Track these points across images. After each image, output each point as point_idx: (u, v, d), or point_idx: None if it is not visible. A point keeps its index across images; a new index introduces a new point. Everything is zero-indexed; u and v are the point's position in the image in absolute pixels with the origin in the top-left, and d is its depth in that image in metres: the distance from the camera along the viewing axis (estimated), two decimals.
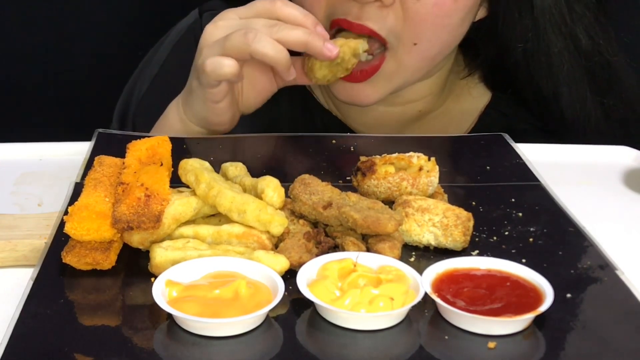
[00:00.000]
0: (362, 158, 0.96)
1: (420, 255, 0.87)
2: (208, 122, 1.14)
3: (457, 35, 1.20)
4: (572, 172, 1.13)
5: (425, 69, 1.21)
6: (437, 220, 0.87)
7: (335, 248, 0.86)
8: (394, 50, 1.14)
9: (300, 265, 0.81)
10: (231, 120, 1.15)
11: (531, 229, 0.92)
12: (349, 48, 1.09)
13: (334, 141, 1.13)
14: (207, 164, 0.92)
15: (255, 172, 0.95)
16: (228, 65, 1.06)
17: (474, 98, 1.34)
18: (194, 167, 0.89)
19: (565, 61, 1.22)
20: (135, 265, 0.84)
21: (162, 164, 0.92)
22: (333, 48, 1.07)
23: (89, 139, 1.11)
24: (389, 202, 0.91)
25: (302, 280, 0.78)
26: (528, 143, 1.17)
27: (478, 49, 1.29)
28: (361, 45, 1.10)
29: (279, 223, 0.85)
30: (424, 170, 0.93)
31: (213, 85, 1.09)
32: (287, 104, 1.30)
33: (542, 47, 1.22)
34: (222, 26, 1.09)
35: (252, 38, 1.04)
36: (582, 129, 1.26)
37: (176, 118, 1.17)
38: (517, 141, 1.15)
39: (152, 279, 0.79)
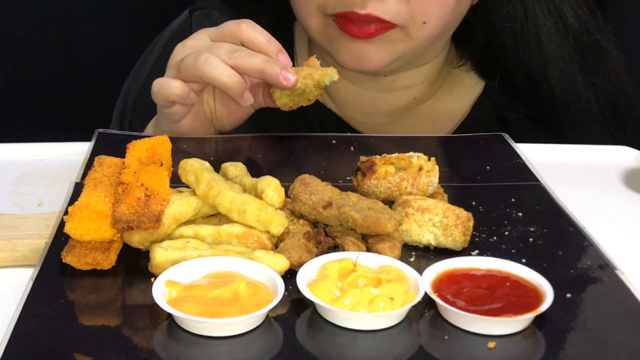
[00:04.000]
0: (362, 158, 0.96)
1: (420, 255, 0.87)
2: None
3: (457, 14, 1.21)
4: (572, 172, 1.13)
5: (429, 44, 1.21)
6: (437, 220, 0.87)
7: (335, 248, 0.86)
8: (405, 28, 1.16)
9: (300, 265, 0.81)
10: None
11: (531, 229, 0.92)
12: (312, 80, 1.05)
13: (334, 141, 1.13)
14: (207, 164, 0.92)
15: (255, 172, 0.95)
16: (172, 87, 1.05)
17: (467, 88, 1.35)
18: (194, 167, 0.89)
19: (554, 40, 1.24)
20: (135, 265, 0.84)
21: (162, 164, 0.92)
22: (290, 77, 1.03)
23: (89, 139, 1.11)
24: (389, 202, 0.91)
25: (302, 280, 0.78)
26: (520, 132, 1.18)
27: (470, 38, 1.30)
28: (327, 77, 1.05)
29: (279, 223, 0.85)
30: (424, 170, 0.93)
31: (164, 106, 1.08)
32: None
33: (530, 27, 1.23)
34: (190, 46, 1.07)
35: (203, 62, 1.02)
36: (572, 110, 1.27)
37: (150, 132, 1.18)
38: (509, 131, 1.16)
39: (152, 279, 0.79)
